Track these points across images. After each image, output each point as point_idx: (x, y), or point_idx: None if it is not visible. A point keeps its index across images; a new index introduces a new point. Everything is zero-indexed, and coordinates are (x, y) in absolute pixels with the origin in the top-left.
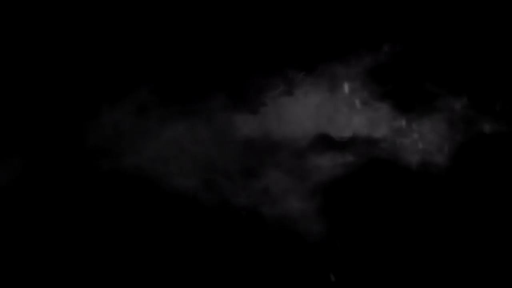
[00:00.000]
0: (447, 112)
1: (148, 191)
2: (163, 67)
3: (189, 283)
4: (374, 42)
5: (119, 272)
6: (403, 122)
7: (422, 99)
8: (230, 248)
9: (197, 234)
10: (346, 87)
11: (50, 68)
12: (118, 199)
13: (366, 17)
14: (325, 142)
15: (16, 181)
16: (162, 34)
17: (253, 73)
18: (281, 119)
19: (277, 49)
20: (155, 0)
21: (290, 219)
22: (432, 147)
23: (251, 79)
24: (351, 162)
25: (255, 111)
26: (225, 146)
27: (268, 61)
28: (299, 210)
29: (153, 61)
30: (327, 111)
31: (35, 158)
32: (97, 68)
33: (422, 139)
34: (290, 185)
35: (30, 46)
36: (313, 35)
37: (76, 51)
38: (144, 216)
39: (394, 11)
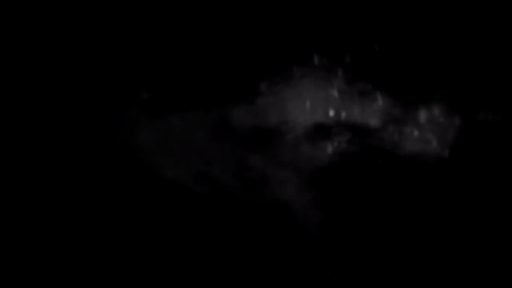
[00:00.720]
0: (446, 101)
1: (143, 183)
2: (159, 60)
3: (186, 275)
4: (372, 33)
5: (114, 264)
6: (401, 112)
7: (420, 89)
8: (227, 240)
9: (193, 226)
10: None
11: (47, 64)
12: (113, 192)
13: (364, 8)
14: (323, 132)
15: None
16: (159, 28)
17: (249, 64)
18: (279, 110)
19: (274, 40)
20: None
21: (287, 210)
22: (431, 137)
23: (248, 70)
24: (349, 153)
25: (251, 102)
26: (221, 137)
27: (264, 53)
28: (297, 201)
29: (149, 54)
30: (325, 101)
31: (35, 152)
32: (92, 61)
33: (420, 129)
34: (287, 176)
35: (33, 45)
36: (310, 26)
37: (73, 45)
38: (139, 208)
39: (391, 3)
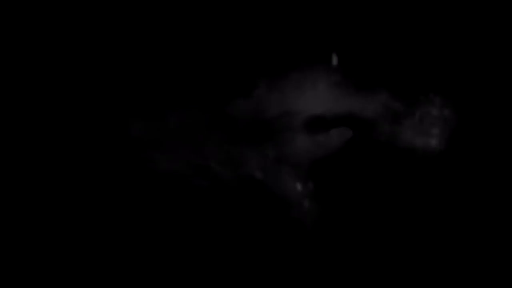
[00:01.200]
0: (446, 94)
1: (139, 178)
2: (155, 54)
3: (182, 269)
4: (371, 26)
5: (111, 257)
6: (401, 105)
7: (420, 82)
8: (223, 234)
9: (190, 221)
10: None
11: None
12: (109, 186)
13: (363, 2)
14: (322, 127)
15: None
16: (155, 22)
17: (247, 58)
18: (277, 104)
19: (271, 33)
20: None
21: (285, 203)
22: (430, 131)
23: (246, 64)
24: (348, 146)
25: (249, 96)
26: (219, 131)
27: (261, 46)
28: (294, 194)
29: (145, 48)
30: (323, 94)
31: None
32: (86, 55)
33: (420, 123)
34: (286, 170)
35: (25, 42)
36: (308, 19)
37: (67, 39)
38: (135, 203)
39: None
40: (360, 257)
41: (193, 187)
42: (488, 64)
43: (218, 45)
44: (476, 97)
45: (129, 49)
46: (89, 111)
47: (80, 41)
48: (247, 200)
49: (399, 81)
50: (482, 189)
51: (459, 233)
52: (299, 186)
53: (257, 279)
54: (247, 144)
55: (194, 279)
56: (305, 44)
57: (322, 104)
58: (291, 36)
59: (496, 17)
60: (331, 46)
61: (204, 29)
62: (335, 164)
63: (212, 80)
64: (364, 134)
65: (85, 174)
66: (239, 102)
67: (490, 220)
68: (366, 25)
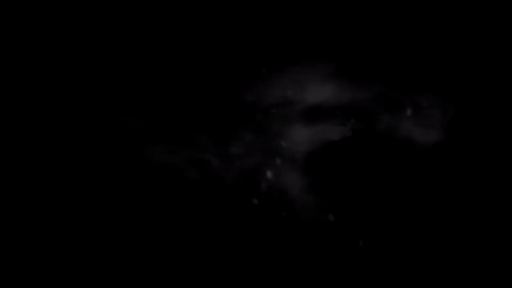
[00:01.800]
0: (443, 85)
1: (134, 171)
2: (150, 47)
3: (179, 266)
4: (368, 19)
5: (107, 251)
6: (399, 96)
7: (417, 73)
8: (220, 229)
9: (187, 216)
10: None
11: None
12: (104, 180)
13: None
14: (319, 117)
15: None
16: (151, 13)
17: (244, 51)
18: (273, 94)
19: (268, 26)
20: None
21: (283, 197)
22: (428, 122)
23: (242, 56)
24: (347, 138)
25: (246, 86)
26: (213, 122)
27: (258, 39)
28: (292, 187)
29: (140, 42)
30: (321, 85)
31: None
32: (81, 50)
33: (418, 114)
34: (282, 162)
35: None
36: (306, 11)
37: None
38: (130, 197)
39: None
40: (360, 251)
41: (188, 181)
42: (487, 56)
43: (214, 37)
44: (474, 88)
45: (123, 42)
46: (83, 104)
47: (73, 37)
48: (244, 194)
49: (397, 72)
50: (480, 180)
51: (458, 226)
52: (296, 178)
53: (254, 275)
54: (244, 136)
55: (189, 276)
56: (302, 35)
57: (320, 95)
58: (288, 28)
59: (494, 10)
60: (329, 38)
61: (202, 21)
62: (333, 156)
63: (208, 72)
64: (363, 126)
65: (79, 168)
66: (236, 93)
67: (489, 213)
68: (364, 17)
